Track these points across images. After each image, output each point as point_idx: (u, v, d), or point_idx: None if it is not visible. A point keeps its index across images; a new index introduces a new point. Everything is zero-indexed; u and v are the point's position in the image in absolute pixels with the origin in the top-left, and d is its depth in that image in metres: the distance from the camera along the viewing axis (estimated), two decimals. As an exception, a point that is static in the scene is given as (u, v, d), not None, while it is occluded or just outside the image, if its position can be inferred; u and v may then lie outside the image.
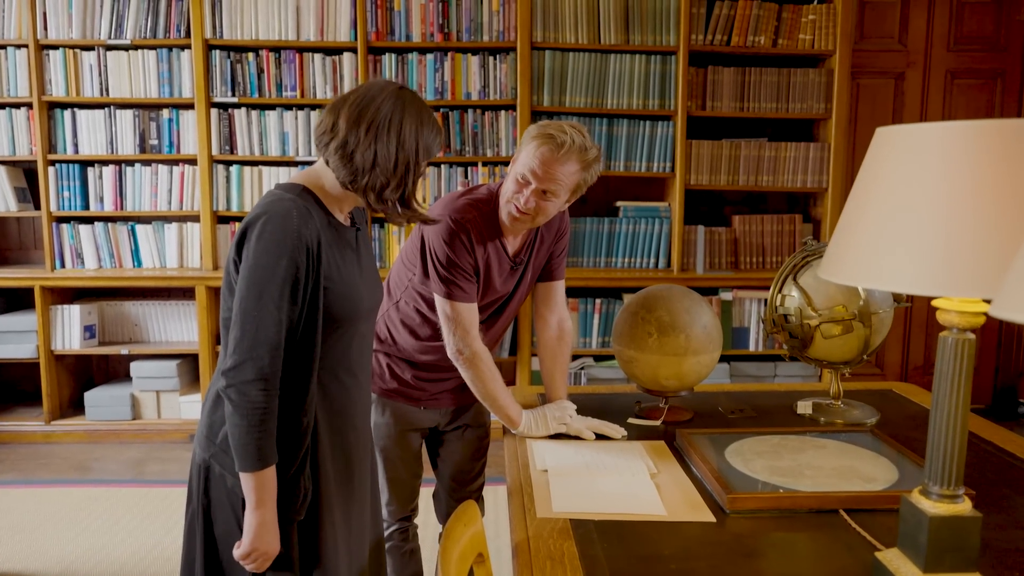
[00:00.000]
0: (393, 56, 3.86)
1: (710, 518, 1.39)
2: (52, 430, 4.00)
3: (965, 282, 0.97)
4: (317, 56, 3.88)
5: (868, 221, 1.07)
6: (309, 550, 1.49)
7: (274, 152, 3.92)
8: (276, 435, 1.37)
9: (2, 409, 4.13)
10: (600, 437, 1.82)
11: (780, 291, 1.96)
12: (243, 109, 3.90)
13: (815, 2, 3.88)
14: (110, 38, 3.83)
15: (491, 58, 3.87)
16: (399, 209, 1.46)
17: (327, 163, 1.43)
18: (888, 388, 2.24)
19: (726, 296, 3.94)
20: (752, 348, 4.00)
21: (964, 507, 1.10)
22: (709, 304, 1.96)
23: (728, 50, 3.86)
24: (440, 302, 1.82)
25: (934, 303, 1.09)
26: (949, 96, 4.35)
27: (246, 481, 1.36)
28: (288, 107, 3.92)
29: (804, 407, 1.98)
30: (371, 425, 1.95)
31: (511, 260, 1.88)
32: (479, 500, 2.13)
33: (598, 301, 3.95)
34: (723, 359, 3.99)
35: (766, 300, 4.00)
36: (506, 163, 3.93)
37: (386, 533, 2.05)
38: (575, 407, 1.89)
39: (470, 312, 1.81)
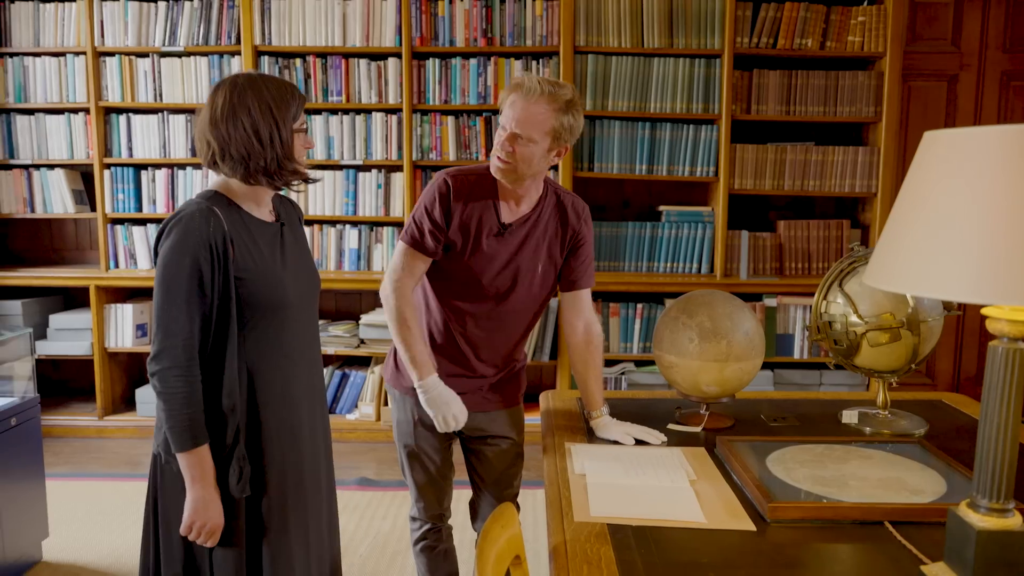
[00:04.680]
0: (437, 61, 3.90)
1: (750, 527, 1.37)
2: (104, 425, 4.12)
3: (1018, 290, 0.94)
4: (363, 61, 3.93)
5: (917, 227, 1.05)
6: (255, 527, 1.61)
7: (320, 156, 3.99)
8: (204, 417, 1.51)
9: (58, 404, 4.27)
10: (639, 442, 1.81)
11: (825, 297, 1.93)
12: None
13: (865, 3, 3.81)
14: (164, 45, 3.95)
15: (534, 62, 3.88)
16: (289, 170, 1.59)
17: (226, 174, 1.58)
18: (937, 398, 2.18)
19: (770, 302, 3.88)
20: (797, 356, 3.93)
21: (1014, 521, 1.07)
22: (752, 310, 1.94)
23: (774, 53, 3.81)
24: (397, 244, 1.92)
25: (984, 311, 1.06)
26: (1005, 99, 4.22)
27: (181, 460, 1.52)
28: (334, 112, 3.98)
29: (849, 416, 1.94)
30: (395, 420, 2.00)
31: (500, 224, 1.88)
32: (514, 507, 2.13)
33: (639, 306, 3.92)
34: (767, 366, 3.93)
35: (811, 307, 3.93)
36: (548, 167, 3.93)
37: (419, 532, 2.07)
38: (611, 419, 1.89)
39: (413, 260, 1.88)
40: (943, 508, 1.36)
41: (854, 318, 1.85)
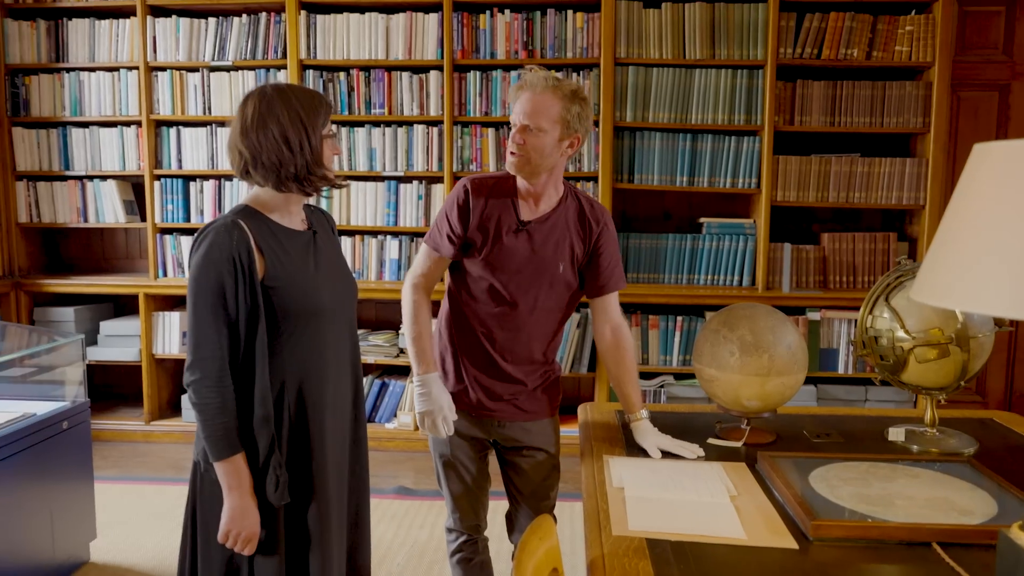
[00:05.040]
0: (478, 74, 3.93)
1: (792, 545, 1.35)
2: (151, 430, 4.22)
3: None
4: (405, 74, 3.98)
5: (966, 240, 1.02)
6: (301, 535, 1.63)
7: (362, 167, 4.04)
8: (241, 426, 1.53)
9: (106, 408, 4.38)
10: (667, 455, 1.79)
11: (871, 312, 1.89)
12: (333, 126, 4.04)
13: (912, 12, 3.74)
14: (213, 60, 4.05)
15: (575, 74, 3.88)
16: (319, 176, 1.62)
17: (258, 183, 1.61)
18: (988, 416, 2.12)
19: (813, 316, 3.81)
20: (841, 371, 3.85)
21: (1070, 546, 1.03)
22: (795, 324, 1.91)
23: (819, 63, 3.76)
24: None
25: (1038, 328, 1.03)
26: (1060, 109, 4.10)
27: (218, 469, 1.54)
28: (376, 124, 4.04)
29: (896, 434, 1.90)
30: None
31: (518, 221, 1.91)
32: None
33: (679, 319, 3.89)
34: (810, 381, 3.86)
35: (857, 321, 3.85)
36: (587, 179, 3.94)
37: (456, 544, 2.08)
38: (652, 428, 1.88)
39: (431, 260, 1.98)
40: (994, 530, 1.32)
41: (901, 333, 1.81)
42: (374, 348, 4.06)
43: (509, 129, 1.88)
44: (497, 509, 2.19)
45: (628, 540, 1.36)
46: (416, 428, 4.05)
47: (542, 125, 1.82)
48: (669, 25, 3.79)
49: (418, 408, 1.92)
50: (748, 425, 1.91)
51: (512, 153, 1.86)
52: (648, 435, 1.85)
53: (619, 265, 2.01)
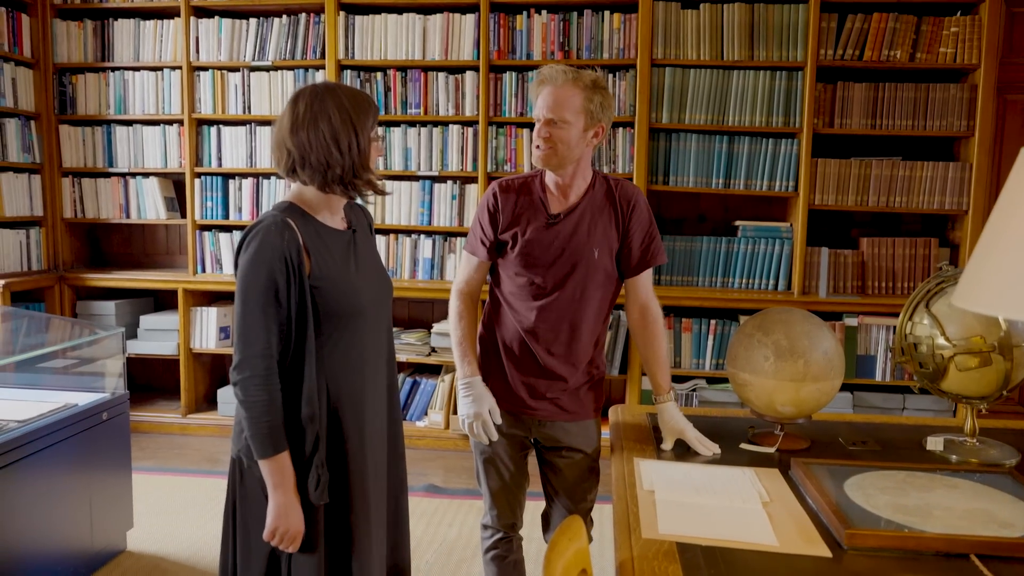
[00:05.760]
0: (514, 74, 3.94)
1: (825, 553, 1.33)
2: (188, 423, 4.29)
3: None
4: (441, 75, 4.01)
5: (1011, 246, 1.00)
6: (340, 533, 1.63)
7: (397, 167, 4.08)
8: (285, 424, 1.53)
9: (145, 401, 4.47)
10: (694, 455, 1.79)
11: (911, 318, 1.86)
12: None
13: (958, 14, 3.66)
14: (253, 60, 4.12)
15: (611, 75, 3.87)
16: (364, 180, 1.62)
17: (303, 182, 1.60)
18: (1032, 428, 2.07)
19: (851, 322, 3.75)
20: (879, 378, 3.78)
21: (1117, 562, 1.00)
22: (831, 329, 1.88)
23: (860, 65, 3.70)
24: None
25: (1085, 337, 1.01)
26: (1112, 113, 3.99)
27: (263, 467, 1.53)
28: (412, 124, 4.07)
29: (934, 443, 1.86)
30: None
31: (548, 215, 1.92)
32: (587, 521, 2.12)
33: (713, 322, 3.85)
34: (846, 388, 3.80)
35: (895, 327, 3.77)
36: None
37: (491, 541, 2.08)
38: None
39: (470, 264, 2.03)
40: (1036, 544, 1.29)
41: (941, 340, 1.78)
42: (406, 347, 4.09)
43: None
44: (530, 508, 2.19)
45: (658, 543, 1.35)
46: (447, 427, 4.07)
47: (566, 117, 1.84)
48: (707, 26, 3.76)
49: (463, 411, 1.94)
50: (782, 431, 1.88)
51: (539, 147, 1.88)
52: (669, 420, 1.85)
53: (654, 241, 2.00)
